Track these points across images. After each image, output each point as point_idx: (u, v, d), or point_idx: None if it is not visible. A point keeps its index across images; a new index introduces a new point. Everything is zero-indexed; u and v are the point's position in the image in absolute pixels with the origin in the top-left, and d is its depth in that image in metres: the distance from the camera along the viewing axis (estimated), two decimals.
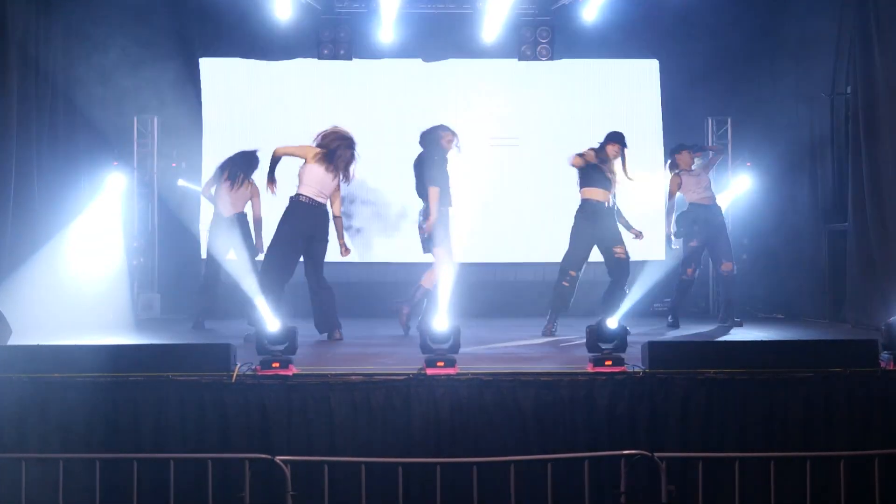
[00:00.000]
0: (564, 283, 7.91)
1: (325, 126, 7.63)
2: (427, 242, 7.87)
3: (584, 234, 7.93)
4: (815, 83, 9.19)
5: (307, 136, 10.46)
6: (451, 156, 7.97)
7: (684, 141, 8.98)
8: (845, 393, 5.34)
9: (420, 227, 7.89)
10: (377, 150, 10.69)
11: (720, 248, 8.64)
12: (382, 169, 10.63)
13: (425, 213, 7.79)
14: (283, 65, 10.61)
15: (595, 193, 7.91)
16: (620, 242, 7.90)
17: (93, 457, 4.93)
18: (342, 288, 9.98)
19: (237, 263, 8.07)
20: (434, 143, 7.86)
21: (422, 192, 7.86)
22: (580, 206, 8.00)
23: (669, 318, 8.62)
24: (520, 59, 10.45)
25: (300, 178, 7.49)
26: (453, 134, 7.88)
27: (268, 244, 7.63)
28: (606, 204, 7.93)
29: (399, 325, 7.96)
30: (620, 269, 7.86)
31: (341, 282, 10.04)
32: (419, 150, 8.00)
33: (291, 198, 7.48)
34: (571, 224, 8.01)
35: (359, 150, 7.59)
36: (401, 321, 7.95)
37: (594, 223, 7.89)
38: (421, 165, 7.88)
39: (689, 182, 8.63)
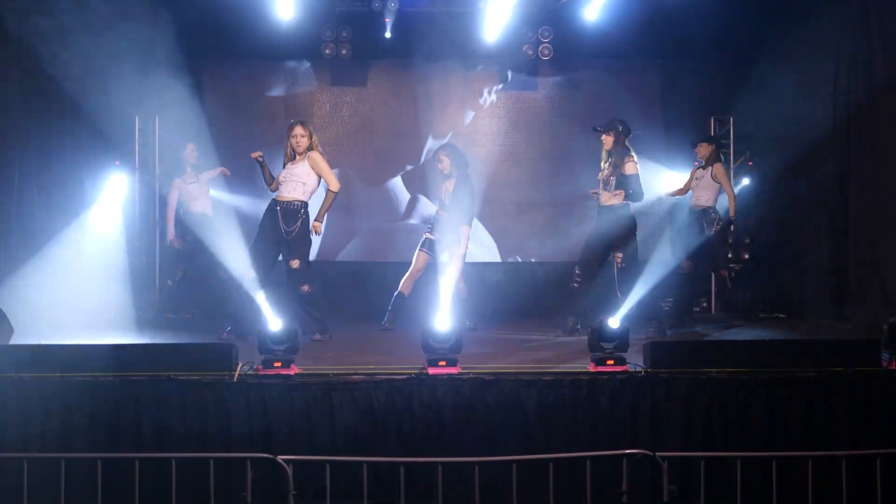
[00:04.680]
0: (574, 283, 7.82)
1: (325, 125, 7.54)
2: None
3: (590, 234, 7.85)
4: (817, 81, 9.17)
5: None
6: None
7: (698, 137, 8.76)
8: (847, 392, 5.35)
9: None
10: (379, 149, 10.73)
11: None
12: (383, 167, 10.67)
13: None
14: (285, 65, 10.62)
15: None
16: (618, 249, 7.60)
17: (94, 456, 4.93)
18: (344, 286, 10.03)
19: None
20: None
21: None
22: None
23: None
24: (522, 59, 10.45)
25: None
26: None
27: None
28: (601, 202, 7.75)
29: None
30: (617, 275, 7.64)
31: (344, 280, 10.09)
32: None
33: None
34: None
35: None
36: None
37: (597, 223, 7.81)
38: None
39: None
